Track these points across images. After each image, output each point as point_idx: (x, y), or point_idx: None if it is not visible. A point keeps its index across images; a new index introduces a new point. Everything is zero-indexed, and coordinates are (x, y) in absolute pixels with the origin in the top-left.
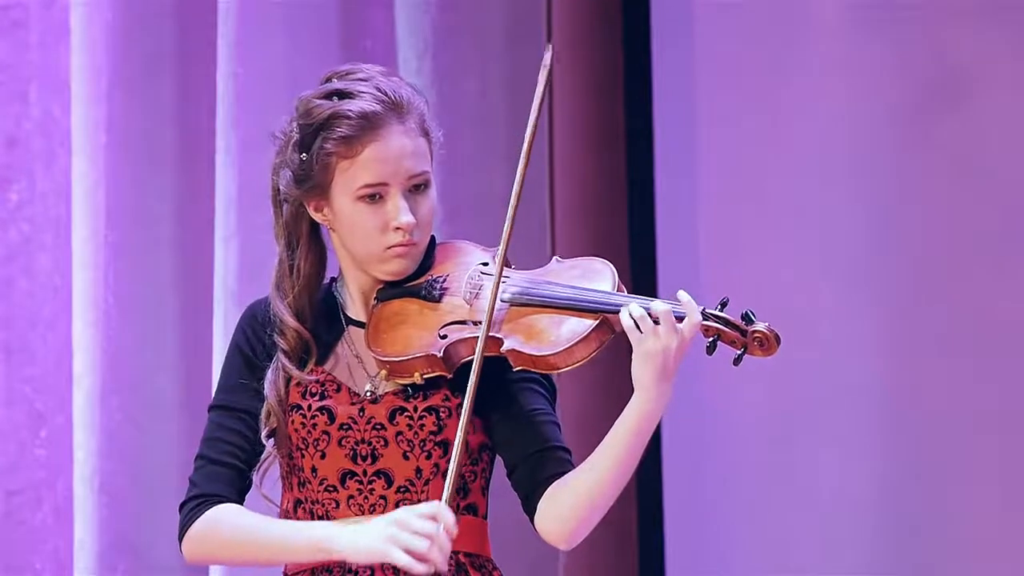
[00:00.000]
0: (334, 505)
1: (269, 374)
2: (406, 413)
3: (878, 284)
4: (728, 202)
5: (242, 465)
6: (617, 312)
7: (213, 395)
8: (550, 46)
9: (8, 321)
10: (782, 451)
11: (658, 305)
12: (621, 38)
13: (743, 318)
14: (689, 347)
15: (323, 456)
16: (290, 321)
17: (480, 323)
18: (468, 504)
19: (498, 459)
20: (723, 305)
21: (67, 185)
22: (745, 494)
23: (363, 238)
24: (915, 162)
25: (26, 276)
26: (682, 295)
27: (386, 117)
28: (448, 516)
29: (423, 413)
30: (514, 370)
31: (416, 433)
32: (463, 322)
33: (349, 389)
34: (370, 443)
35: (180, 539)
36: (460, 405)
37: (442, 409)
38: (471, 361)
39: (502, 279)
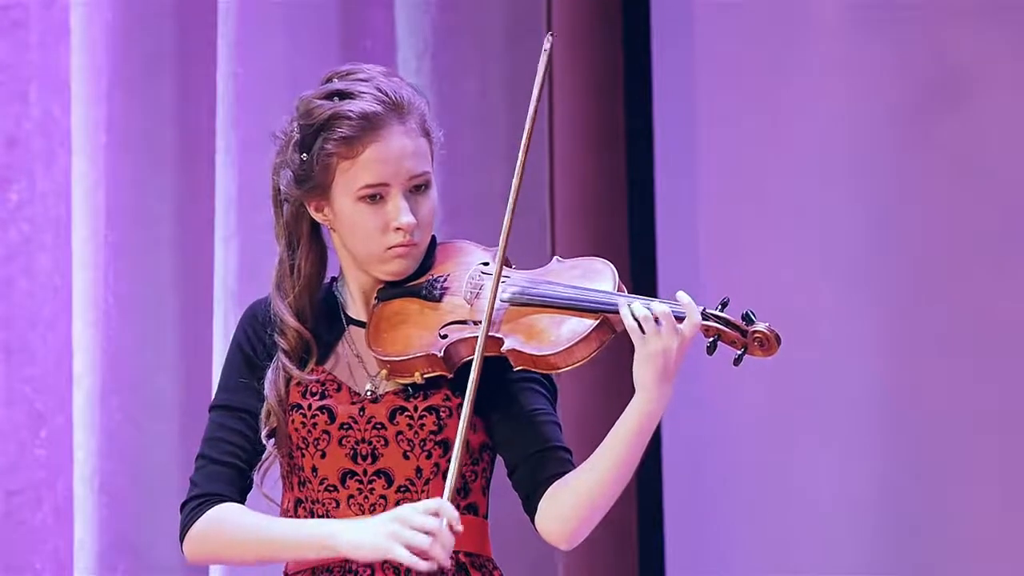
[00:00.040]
0: (334, 504)
1: (269, 374)
2: (406, 413)
3: (878, 284)
4: (728, 202)
5: (243, 465)
6: (618, 312)
7: (214, 395)
8: (550, 34)
9: (8, 321)
10: (782, 451)
11: (659, 306)
12: (621, 38)
13: (743, 318)
14: (690, 347)
15: (323, 455)
16: (291, 321)
17: (481, 323)
18: (469, 504)
19: (498, 459)
20: (723, 305)
21: (67, 185)
22: (745, 494)
23: (364, 238)
24: (915, 162)
25: (26, 276)
26: (681, 296)
27: (387, 117)
28: (451, 511)
29: (423, 413)
30: (514, 370)
31: (416, 433)
32: (463, 322)
33: (349, 389)
34: (370, 443)
35: (181, 539)
36: (460, 405)
37: (442, 409)
38: (471, 361)
39: (502, 279)
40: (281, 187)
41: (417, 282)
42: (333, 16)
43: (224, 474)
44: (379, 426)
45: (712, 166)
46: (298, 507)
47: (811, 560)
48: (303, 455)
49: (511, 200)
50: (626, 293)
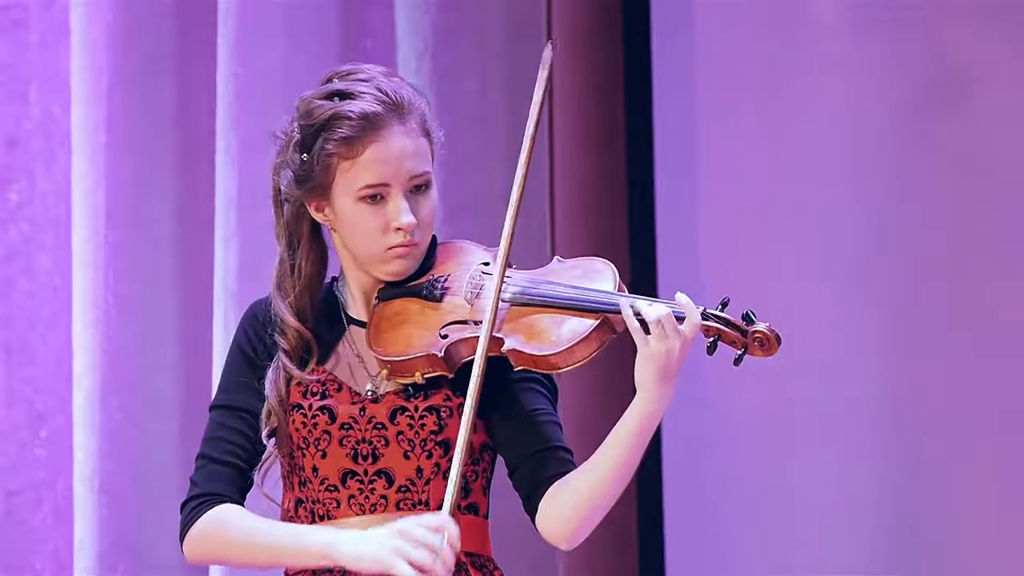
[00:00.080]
0: (335, 505)
1: (270, 374)
2: (407, 413)
3: (878, 284)
4: (728, 202)
5: (243, 464)
6: (618, 312)
7: (214, 395)
8: (550, 43)
9: (8, 321)
10: (782, 451)
11: (659, 306)
12: (621, 38)
13: (744, 318)
14: (690, 348)
15: (324, 456)
16: (291, 321)
17: (481, 323)
18: (469, 504)
19: (499, 459)
20: (724, 305)
21: (67, 185)
22: (745, 494)
23: (364, 238)
24: (915, 162)
25: (26, 276)
26: (680, 297)
27: (387, 118)
28: (453, 529)
29: (424, 413)
30: (515, 370)
31: (417, 433)
32: (464, 322)
33: (350, 389)
34: (371, 443)
35: (181, 539)
36: (461, 405)
37: (443, 409)
38: (472, 361)
39: (503, 279)
40: (282, 187)
41: (418, 282)
42: (333, 16)
43: (224, 474)
44: (380, 426)
45: (712, 166)
46: (299, 507)
47: (811, 560)
48: (304, 455)
49: (513, 207)
50: (627, 293)
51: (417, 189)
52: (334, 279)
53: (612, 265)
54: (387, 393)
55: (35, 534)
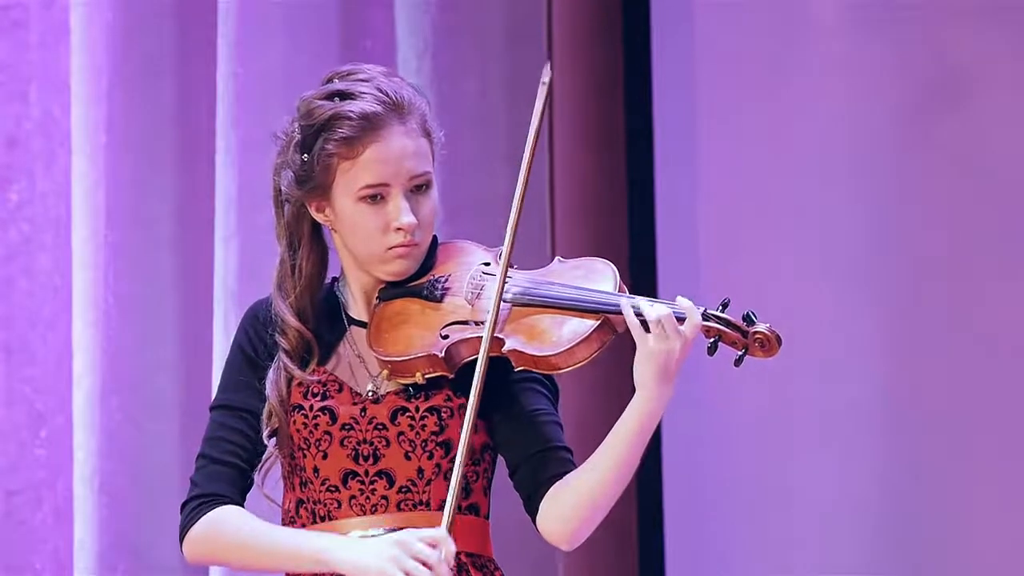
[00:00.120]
0: (336, 505)
1: (271, 374)
2: (408, 413)
3: (878, 284)
4: (728, 202)
5: (244, 465)
6: (619, 313)
7: (214, 395)
8: (548, 64)
9: (8, 321)
10: (782, 451)
11: (660, 306)
12: (621, 38)
13: (744, 319)
14: (691, 348)
15: (325, 456)
16: (292, 321)
17: (482, 323)
18: (470, 504)
19: (500, 459)
20: (724, 306)
21: (67, 185)
22: (745, 494)
23: (365, 239)
24: (915, 162)
25: (26, 276)
26: (682, 300)
27: (387, 118)
28: (450, 545)
29: (425, 413)
30: (516, 370)
31: (418, 433)
32: (465, 322)
33: (351, 389)
34: (372, 443)
35: (181, 539)
36: (462, 405)
37: (444, 409)
38: (473, 361)
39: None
40: (282, 187)
41: (418, 282)
42: (333, 16)
43: (225, 474)
44: (380, 427)
45: (712, 166)
46: (299, 508)
47: (811, 560)
48: (304, 456)
49: (513, 213)
50: (627, 293)
51: (417, 189)
52: (335, 279)
53: (613, 265)
54: (388, 393)
55: (35, 534)
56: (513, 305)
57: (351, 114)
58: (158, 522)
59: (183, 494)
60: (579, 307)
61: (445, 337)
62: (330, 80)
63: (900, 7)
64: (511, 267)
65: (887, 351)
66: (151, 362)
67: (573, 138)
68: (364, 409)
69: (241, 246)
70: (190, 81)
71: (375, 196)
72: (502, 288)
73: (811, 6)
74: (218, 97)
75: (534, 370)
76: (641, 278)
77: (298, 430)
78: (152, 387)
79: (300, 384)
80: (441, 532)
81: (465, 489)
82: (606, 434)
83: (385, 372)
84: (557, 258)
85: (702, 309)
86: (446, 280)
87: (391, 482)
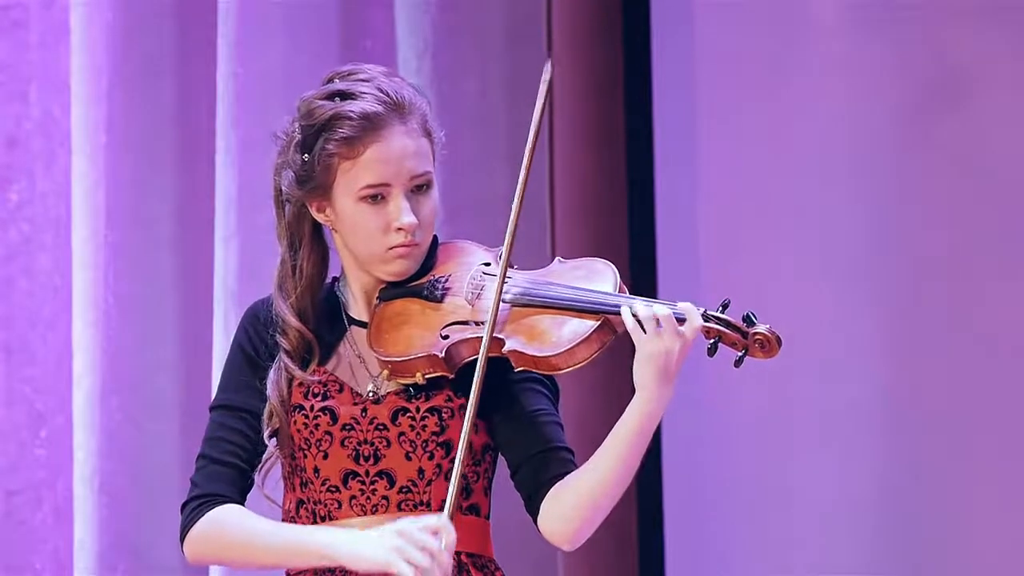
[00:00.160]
0: (336, 505)
1: (271, 374)
2: (408, 413)
3: (878, 284)
4: (728, 202)
5: (244, 465)
6: (619, 313)
7: (215, 395)
8: (549, 61)
9: (8, 321)
10: (782, 451)
11: (660, 307)
12: (621, 38)
13: (744, 320)
14: (690, 349)
15: (325, 456)
16: (292, 321)
17: (482, 323)
18: (471, 504)
19: (500, 459)
20: (724, 307)
21: (67, 185)
22: (745, 494)
23: (365, 239)
24: (915, 162)
25: (26, 276)
26: (682, 303)
27: (388, 118)
28: (451, 532)
29: (425, 414)
30: (516, 370)
31: (418, 434)
32: (465, 322)
33: (351, 389)
34: (372, 443)
35: (182, 539)
36: (463, 406)
37: (444, 410)
38: (473, 361)
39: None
40: (283, 188)
41: (419, 282)
42: (333, 16)
43: (225, 474)
44: (381, 427)
45: (712, 166)
46: (300, 508)
47: (811, 560)
48: (305, 456)
49: (513, 215)
50: (627, 294)
51: (418, 189)
52: (335, 279)
53: (613, 266)
54: (388, 394)
55: (35, 534)
56: (513, 305)
57: (352, 114)
58: (158, 522)
59: (183, 494)
60: (579, 308)
61: (445, 337)
62: (330, 80)
63: (900, 7)
64: (511, 267)
65: (887, 351)
66: (151, 362)
67: (573, 138)
68: (365, 409)
69: (241, 246)
70: (190, 81)
71: (376, 196)
72: (502, 288)
73: (811, 6)
74: (218, 97)
75: (534, 370)
76: (641, 278)
77: (299, 430)
78: (152, 387)
79: (301, 384)
80: (442, 520)
81: (465, 489)
82: (606, 434)
83: (385, 372)
84: (557, 258)
85: (702, 310)
86: (446, 280)
87: (392, 482)
